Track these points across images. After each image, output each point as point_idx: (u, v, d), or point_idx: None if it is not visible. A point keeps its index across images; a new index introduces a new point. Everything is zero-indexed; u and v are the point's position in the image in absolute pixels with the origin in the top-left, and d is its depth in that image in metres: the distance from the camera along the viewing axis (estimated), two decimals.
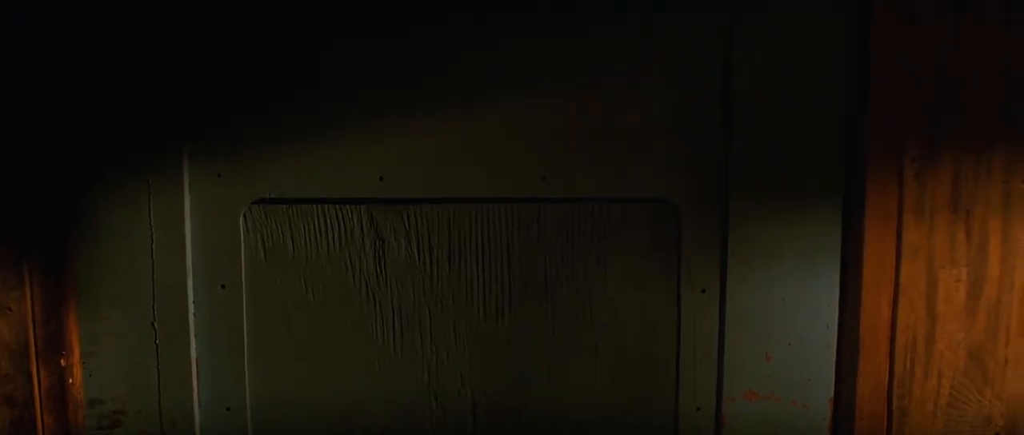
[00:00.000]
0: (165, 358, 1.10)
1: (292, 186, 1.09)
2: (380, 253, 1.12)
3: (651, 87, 1.08)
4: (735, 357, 1.12)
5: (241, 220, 1.10)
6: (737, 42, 1.06)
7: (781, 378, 1.12)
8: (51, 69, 1.04)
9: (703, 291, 1.12)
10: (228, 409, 1.13)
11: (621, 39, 1.07)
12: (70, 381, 1.10)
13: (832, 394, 1.13)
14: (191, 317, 1.10)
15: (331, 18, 1.06)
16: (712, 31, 1.07)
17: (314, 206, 1.10)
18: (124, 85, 1.05)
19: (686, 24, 1.07)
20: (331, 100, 1.08)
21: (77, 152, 1.06)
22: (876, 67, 1.05)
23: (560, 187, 1.10)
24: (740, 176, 1.08)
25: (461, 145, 1.09)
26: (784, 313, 1.11)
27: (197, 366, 1.12)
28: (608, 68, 1.08)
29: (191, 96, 1.07)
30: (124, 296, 1.09)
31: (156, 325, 1.09)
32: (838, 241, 1.09)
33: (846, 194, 1.09)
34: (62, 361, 1.09)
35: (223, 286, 1.11)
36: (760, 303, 1.10)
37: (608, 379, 1.15)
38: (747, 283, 1.10)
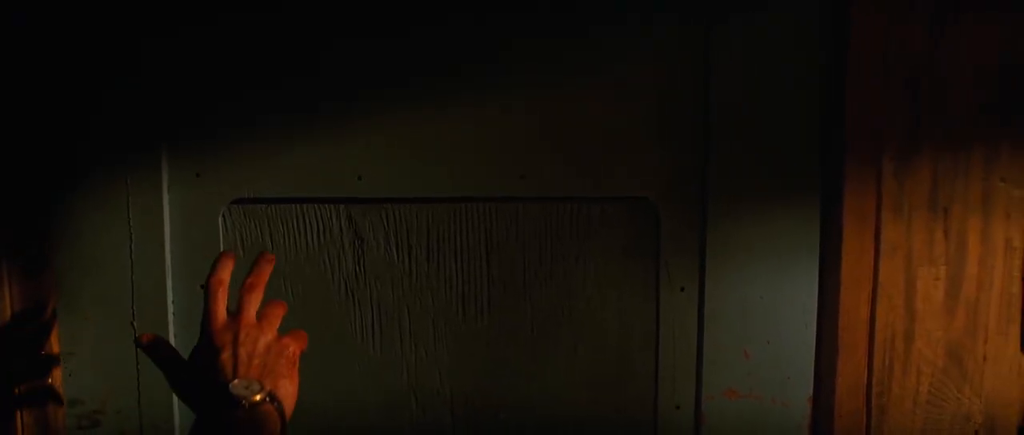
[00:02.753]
0: (145, 359, 1.10)
1: (270, 186, 1.09)
2: (359, 252, 1.12)
3: (640, 87, 1.08)
4: (714, 355, 1.12)
5: (220, 220, 1.10)
6: (717, 41, 1.06)
7: (761, 376, 1.12)
8: (32, 68, 1.04)
9: (682, 289, 1.12)
10: None
11: (621, 39, 1.07)
12: (49, 382, 1.10)
13: (811, 392, 1.13)
14: (170, 317, 1.10)
15: (324, 18, 1.05)
16: (695, 30, 1.07)
17: (293, 205, 1.10)
18: (105, 85, 1.05)
19: (675, 23, 1.07)
20: (310, 99, 1.07)
21: (57, 151, 1.06)
22: (854, 66, 1.05)
23: (539, 186, 1.10)
24: (719, 174, 1.08)
25: (440, 144, 1.08)
26: (763, 311, 1.11)
27: None
28: (608, 68, 1.07)
29: (170, 95, 1.06)
30: (103, 296, 1.08)
31: (135, 325, 1.09)
32: (816, 239, 1.09)
33: (824, 192, 1.09)
34: None
35: (202, 286, 1.10)
36: (739, 301, 1.11)
37: (587, 378, 1.15)
38: (726, 281, 1.10)
